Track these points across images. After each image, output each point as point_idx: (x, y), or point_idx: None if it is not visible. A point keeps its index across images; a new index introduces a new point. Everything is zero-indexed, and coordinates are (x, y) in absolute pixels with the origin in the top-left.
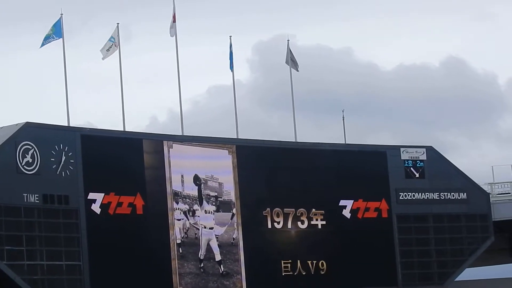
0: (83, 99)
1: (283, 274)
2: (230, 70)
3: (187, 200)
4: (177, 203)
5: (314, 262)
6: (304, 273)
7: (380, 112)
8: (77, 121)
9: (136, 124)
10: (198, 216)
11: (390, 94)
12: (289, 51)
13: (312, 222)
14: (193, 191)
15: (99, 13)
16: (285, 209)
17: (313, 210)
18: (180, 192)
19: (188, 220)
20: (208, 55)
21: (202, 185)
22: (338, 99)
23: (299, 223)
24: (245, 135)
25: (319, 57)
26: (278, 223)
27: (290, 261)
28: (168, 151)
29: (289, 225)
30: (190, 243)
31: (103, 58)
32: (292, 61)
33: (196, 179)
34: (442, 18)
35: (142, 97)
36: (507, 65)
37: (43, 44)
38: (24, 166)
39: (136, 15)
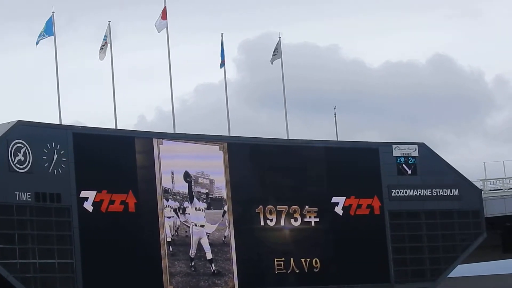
0: (72, 97)
1: (276, 272)
2: (222, 68)
3: (177, 197)
4: (167, 200)
5: (308, 259)
6: (297, 271)
7: (367, 109)
8: (67, 120)
9: (124, 123)
10: (189, 214)
11: (377, 92)
12: (280, 48)
13: (306, 220)
14: (183, 188)
15: (83, 11)
16: (278, 207)
17: (307, 207)
18: (170, 189)
19: (179, 218)
20: (195, 54)
21: (192, 182)
22: (325, 97)
23: (292, 220)
24: (234, 133)
25: (306, 55)
26: (271, 220)
27: (283, 259)
28: (158, 147)
29: (282, 223)
30: (181, 241)
31: (101, 59)
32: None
33: (187, 176)
34: (428, 15)
35: (129, 95)
36: (493, 62)
37: (38, 42)
38: (16, 165)
39: (120, 14)
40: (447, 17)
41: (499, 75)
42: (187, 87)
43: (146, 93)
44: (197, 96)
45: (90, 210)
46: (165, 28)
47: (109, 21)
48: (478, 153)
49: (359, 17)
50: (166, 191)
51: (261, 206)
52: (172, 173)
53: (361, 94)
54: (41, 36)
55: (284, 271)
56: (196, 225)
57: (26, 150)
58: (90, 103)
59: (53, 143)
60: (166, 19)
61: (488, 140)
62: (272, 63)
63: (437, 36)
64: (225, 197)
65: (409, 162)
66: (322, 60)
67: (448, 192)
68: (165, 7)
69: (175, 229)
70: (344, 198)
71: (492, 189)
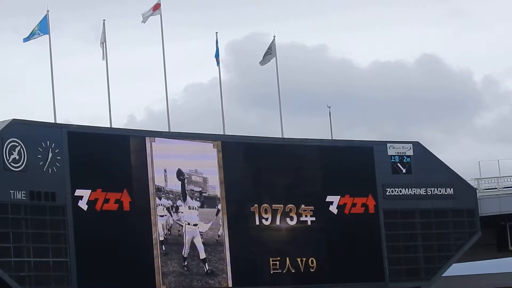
0: (63, 96)
1: (271, 272)
2: (217, 67)
3: (170, 195)
4: (160, 199)
5: (304, 259)
6: (293, 271)
7: (356, 109)
8: (58, 118)
9: (114, 123)
10: (182, 213)
11: (366, 91)
12: (274, 47)
13: (302, 219)
14: (176, 186)
15: (70, 10)
16: (273, 206)
17: (303, 206)
18: (163, 187)
19: (172, 216)
20: (184, 54)
21: (185, 180)
22: (314, 97)
23: (288, 219)
24: (226, 132)
25: (294, 55)
26: (266, 219)
27: (278, 258)
28: (151, 146)
29: (278, 222)
30: (174, 240)
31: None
32: (266, 55)
33: (180, 174)
34: (416, 15)
35: (118, 95)
36: (482, 62)
37: (27, 39)
38: (11, 163)
39: (108, 13)
40: (435, 17)
41: (488, 75)
42: (176, 87)
43: (136, 92)
44: (187, 96)
45: (85, 209)
46: (160, 29)
47: (104, 20)
48: (469, 153)
49: (347, 17)
50: (158, 190)
51: (256, 205)
52: (165, 171)
53: (350, 94)
54: (36, 34)
55: (280, 270)
56: (189, 224)
57: (21, 149)
58: (79, 102)
59: (48, 142)
60: (156, 10)
61: (477, 139)
62: (263, 62)
63: (425, 36)
64: (219, 195)
65: (404, 161)
66: (310, 60)
67: (442, 191)
68: (158, 3)
69: (168, 228)
70: (339, 197)
71: (487, 188)
